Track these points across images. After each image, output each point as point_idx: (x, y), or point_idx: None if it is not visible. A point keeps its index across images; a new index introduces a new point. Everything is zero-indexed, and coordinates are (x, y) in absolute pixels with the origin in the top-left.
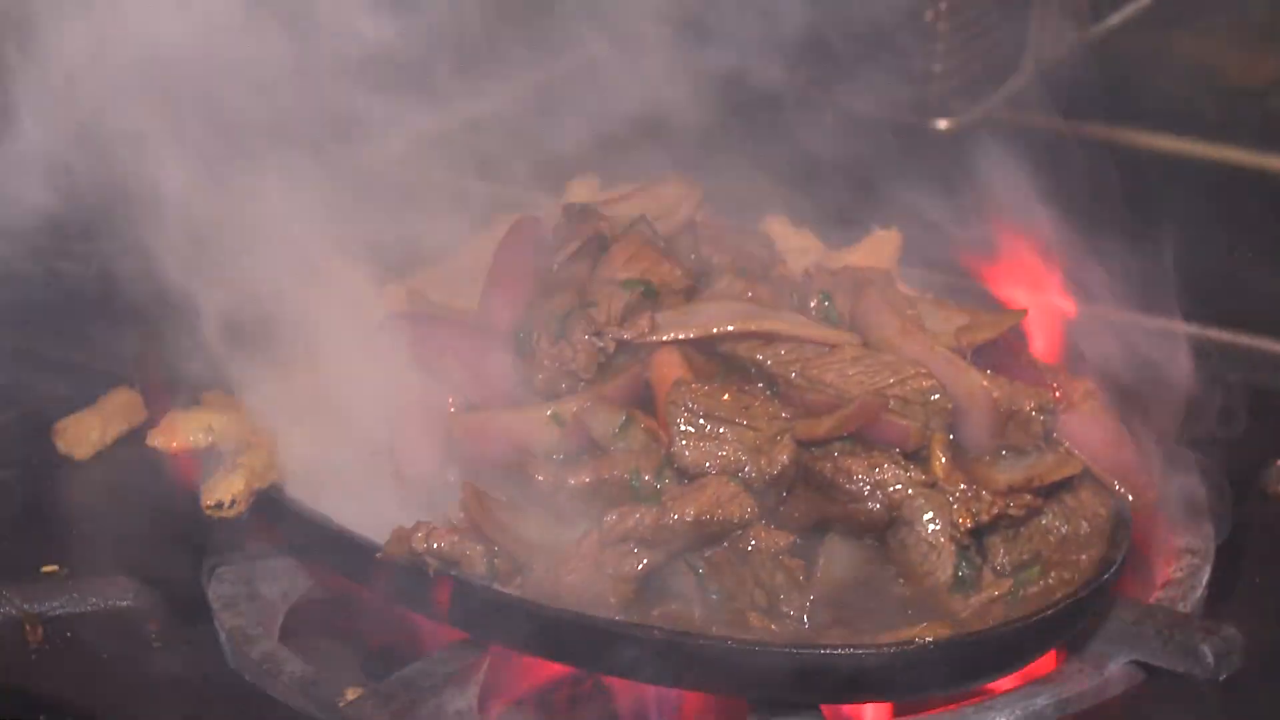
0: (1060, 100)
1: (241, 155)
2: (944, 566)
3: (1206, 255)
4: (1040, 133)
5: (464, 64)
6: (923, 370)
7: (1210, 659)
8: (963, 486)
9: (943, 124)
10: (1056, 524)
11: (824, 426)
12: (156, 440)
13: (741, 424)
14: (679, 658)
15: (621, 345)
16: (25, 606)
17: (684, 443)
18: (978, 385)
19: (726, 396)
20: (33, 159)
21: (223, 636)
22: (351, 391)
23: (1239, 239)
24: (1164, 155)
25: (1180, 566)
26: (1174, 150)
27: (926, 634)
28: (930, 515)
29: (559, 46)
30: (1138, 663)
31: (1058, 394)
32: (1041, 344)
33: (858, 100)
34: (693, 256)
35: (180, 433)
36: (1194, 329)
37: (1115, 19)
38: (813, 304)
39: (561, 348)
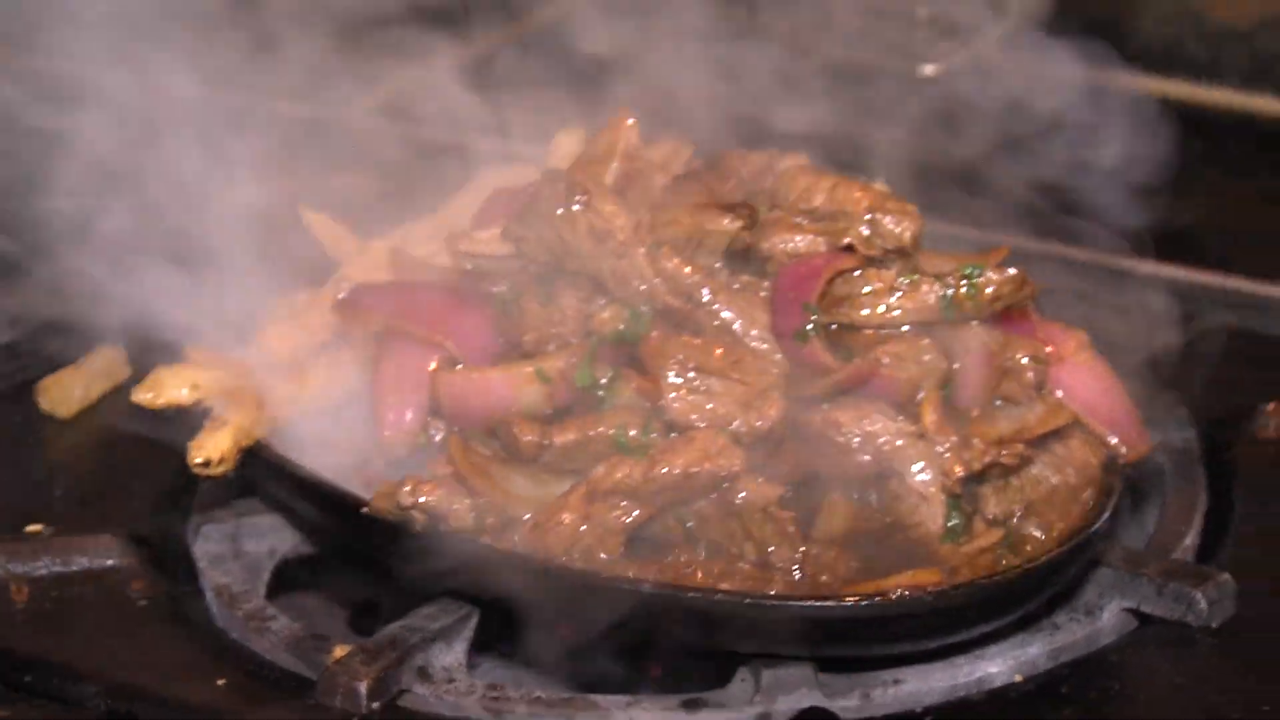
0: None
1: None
2: (934, 516)
3: (1191, 198)
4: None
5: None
6: None
7: (1204, 606)
8: (953, 437)
9: (928, 69)
10: (1047, 474)
11: (816, 388)
12: (141, 397)
13: (732, 378)
14: (666, 610)
15: None
16: (10, 567)
17: (673, 395)
18: (972, 337)
19: (719, 351)
20: None
21: (209, 594)
22: (334, 350)
23: (1224, 181)
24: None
25: (1172, 514)
26: (1158, 91)
27: (912, 582)
28: (920, 465)
29: None
30: (1131, 610)
31: (1050, 346)
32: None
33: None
34: None
35: (165, 389)
36: (1179, 272)
37: None
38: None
39: (550, 311)
